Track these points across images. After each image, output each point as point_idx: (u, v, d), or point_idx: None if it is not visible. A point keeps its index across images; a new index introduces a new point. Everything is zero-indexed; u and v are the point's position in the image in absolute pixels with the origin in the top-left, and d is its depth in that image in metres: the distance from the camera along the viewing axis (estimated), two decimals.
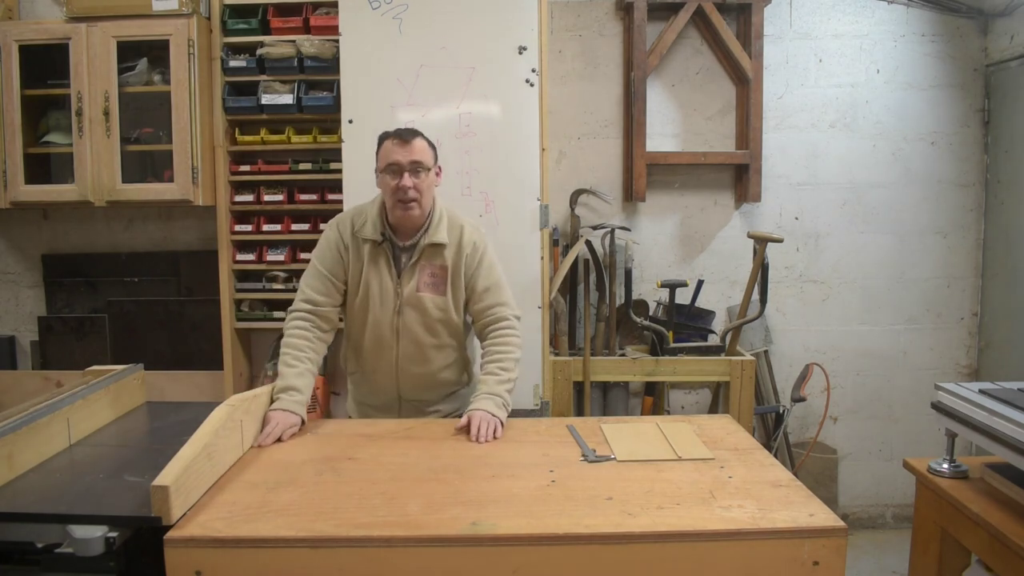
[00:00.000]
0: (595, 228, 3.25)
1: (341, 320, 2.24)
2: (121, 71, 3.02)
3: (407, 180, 1.97)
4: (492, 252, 2.16)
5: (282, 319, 3.16)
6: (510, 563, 1.35)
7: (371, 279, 2.08)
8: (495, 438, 1.89)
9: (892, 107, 3.45)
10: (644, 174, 3.31)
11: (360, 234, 2.08)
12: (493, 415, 1.93)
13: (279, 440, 1.85)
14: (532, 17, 2.78)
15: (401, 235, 2.08)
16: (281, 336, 3.36)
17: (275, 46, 3.04)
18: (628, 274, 3.15)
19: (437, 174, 2.09)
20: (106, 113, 3.00)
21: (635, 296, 3.38)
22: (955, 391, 1.74)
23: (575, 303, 3.34)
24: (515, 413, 2.81)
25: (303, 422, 1.95)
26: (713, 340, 3.29)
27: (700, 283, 3.35)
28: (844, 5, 3.42)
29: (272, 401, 1.95)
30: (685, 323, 3.28)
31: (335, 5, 2.87)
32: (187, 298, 3.38)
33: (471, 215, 2.77)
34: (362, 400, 2.28)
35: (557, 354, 3.13)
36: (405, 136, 2.01)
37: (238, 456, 1.73)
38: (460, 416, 2.12)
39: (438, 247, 2.07)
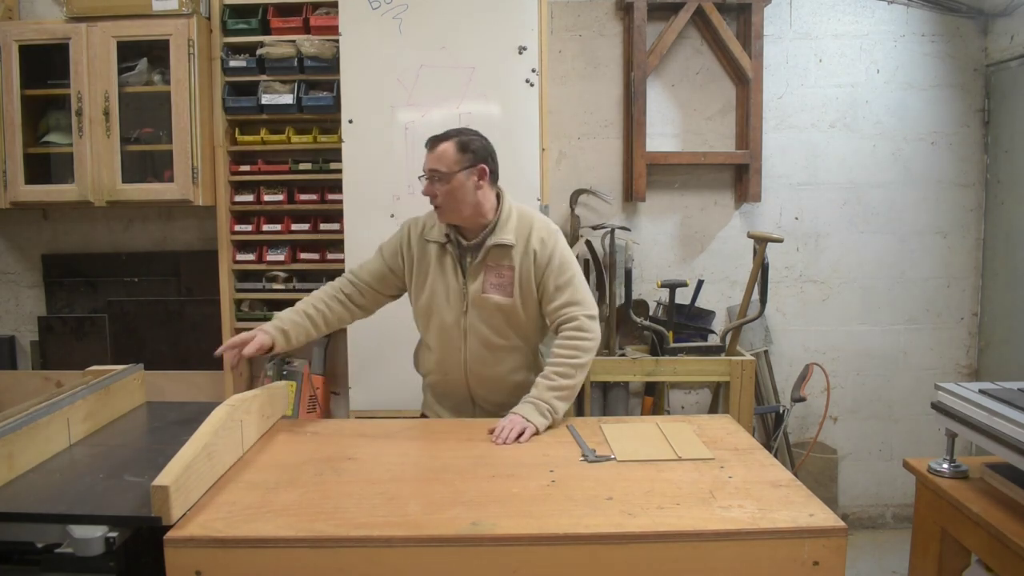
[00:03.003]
0: (595, 228, 3.25)
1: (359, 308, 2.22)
2: (121, 71, 3.02)
3: (427, 187, 2.01)
4: (564, 249, 2.09)
5: None
6: (510, 563, 1.35)
7: (437, 280, 2.09)
8: (518, 441, 1.86)
9: (892, 107, 3.45)
10: (644, 174, 3.31)
11: (427, 236, 2.10)
12: (525, 419, 1.91)
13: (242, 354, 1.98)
14: (532, 17, 2.78)
15: (466, 235, 2.07)
16: None
17: (275, 46, 3.04)
18: (628, 274, 3.15)
19: (480, 176, 2.01)
20: (106, 113, 3.00)
21: (635, 296, 3.38)
22: (955, 391, 1.74)
23: None
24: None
25: (272, 343, 2.03)
26: (713, 340, 3.29)
27: (700, 283, 3.35)
28: (844, 5, 3.42)
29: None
30: (685, 323, 3.28)
31: (335, 5, 2.87)
32: (187, 298, 3.38)
33: None
34: (438, 402, 2.24)
35: None
36: (434, 142, 2.03)
37: (238, 456, 1.73)
38: None
39: (504, 248, 2.04)
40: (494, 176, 2.07)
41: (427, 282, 2.10)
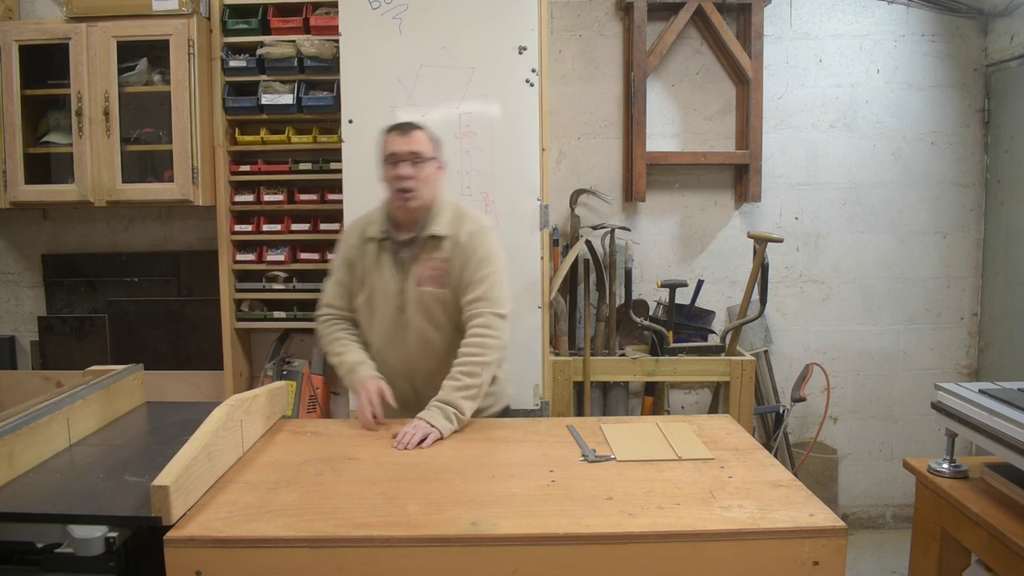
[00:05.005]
0: (595, 228, 3.25)
1: None
2: (121, 71, 3.02)
3: (404, 169, 1.99)
4: (491, 245, 2.08)
5: (282, 319, 3.21)
6: (510, 563, 1.35)
7: (375, 278, 2.10)
8: (420, 446, 1.83)
9: (892, 107, 3.45)
10: (644, 174, 3.31)
11: (368, 234, 2.11)
12: (430, 424, 1.88)
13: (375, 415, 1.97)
14: (532, 17, 2.78)
15: (402, 230, 2.08)
16: (281, 336, 3.39)
17: (275, 46, 3.04)
18: (628, 274, 3.15)
19: (440, 168, 2.09)
20: (106, 113, 3.00)
21: (635, 296, 3.38)
22: (955, 391, 1.74)
23: (575, 303, 3.34)
24: (515, 413, 2.81)
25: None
26: (713, 340, 3.29)
27: (700, 283, 3.35)
28: (844, 5, 3.42)
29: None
30: (685, 323, 3.28)
31: (335, 5, 2.87)
32: (187, 298, 3.38)
33: None
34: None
35: (557, 354, 3.12)
36: (405, 128, 2.04)
37: (238, 456, 1.73)
38: (497, 412, 2.20)
39: (437, 240, 2.05)
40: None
41: (366, 280, 2.11)
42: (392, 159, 2.01)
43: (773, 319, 3.52)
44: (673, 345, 3.08)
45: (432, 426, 1.88)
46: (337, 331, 2.18)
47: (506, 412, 2.30)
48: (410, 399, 2.16)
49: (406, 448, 1.82)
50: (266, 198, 3.17)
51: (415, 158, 1.99)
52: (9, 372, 3.40)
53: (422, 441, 1.84)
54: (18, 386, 3.25)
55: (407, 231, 2.07)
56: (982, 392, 1.70)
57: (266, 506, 1.47)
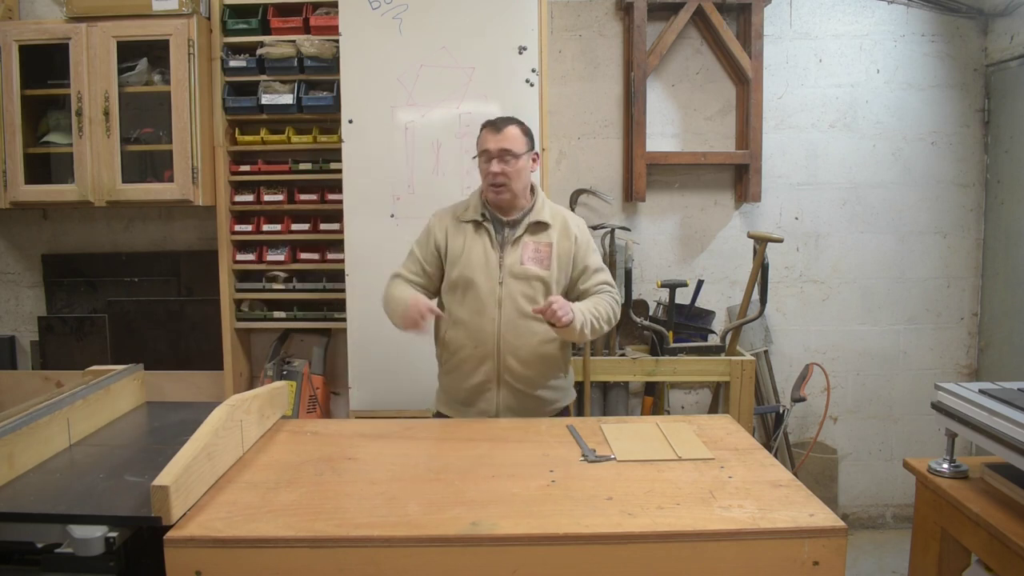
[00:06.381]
0: (595, 228, 3.25)
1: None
2: (121, 71, 3.02)
3: (495, 166, 2.12)
4: None
5: (282, 319, 3.21)
6: (510, 563, 1.36)
7: (472, 253, 2.18)
8: (557, 321, 1.98)
9: (892, 107, 3.45)
10: (644, 174, 3.31)
11: (462, 218, 2.22)
12: (573, 310, 2.03)
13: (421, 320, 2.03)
14: (532, 17, 2.78)
15: (504, 213, 2.20)
16: (281, 336, 3.39)
17: (275, 46, 3.04)
18: (628, 274, 3.14)
19: (534, 159, 2.22)
20: (106, 113, 3.00)
21: (635, 296, 3.38)
22: (955, 391, 1.74)
23: None
24: None
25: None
26: (713, 340, 3.29)
27: (700, 283, 3.35)
28: (844, 5, 3.42)
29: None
30: (685, 323, 3.28)
31: (335, 5, 2.87)
32: (187, 298, 3.38)
33: None
34: (456, 386, 2.24)
35: None
36: (498, 124, 2.16)
37: (238, 456, 1.73)
38: (559, 409, 2.26)
39: (542, 225, 2.20)
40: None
41: (461, 256, 2.18)
42: (485, 155, 2.15)
43: (773, 319, 3.52)
44: (673, 345, 3.08)
45: (574, 312, 2.03)
46: (399, 281, 2.24)
47: (565, 411, 2.32)
48: (491, 380, 2.18)
49: (550, 313, 1.98)
50: (266, 198, 3.17)
51: (506, 155, 2.12)
52: (9, 372, 3.40)
53: (560, 318, 1.99)
54: (18, 386, 3.25)
55: (509, 214, 2.21)
56: (982, 392, 1.70)
57: (266, 506, 1.47)
